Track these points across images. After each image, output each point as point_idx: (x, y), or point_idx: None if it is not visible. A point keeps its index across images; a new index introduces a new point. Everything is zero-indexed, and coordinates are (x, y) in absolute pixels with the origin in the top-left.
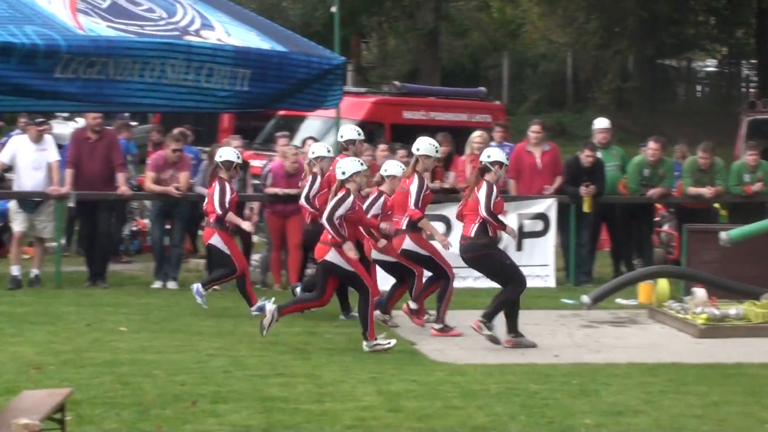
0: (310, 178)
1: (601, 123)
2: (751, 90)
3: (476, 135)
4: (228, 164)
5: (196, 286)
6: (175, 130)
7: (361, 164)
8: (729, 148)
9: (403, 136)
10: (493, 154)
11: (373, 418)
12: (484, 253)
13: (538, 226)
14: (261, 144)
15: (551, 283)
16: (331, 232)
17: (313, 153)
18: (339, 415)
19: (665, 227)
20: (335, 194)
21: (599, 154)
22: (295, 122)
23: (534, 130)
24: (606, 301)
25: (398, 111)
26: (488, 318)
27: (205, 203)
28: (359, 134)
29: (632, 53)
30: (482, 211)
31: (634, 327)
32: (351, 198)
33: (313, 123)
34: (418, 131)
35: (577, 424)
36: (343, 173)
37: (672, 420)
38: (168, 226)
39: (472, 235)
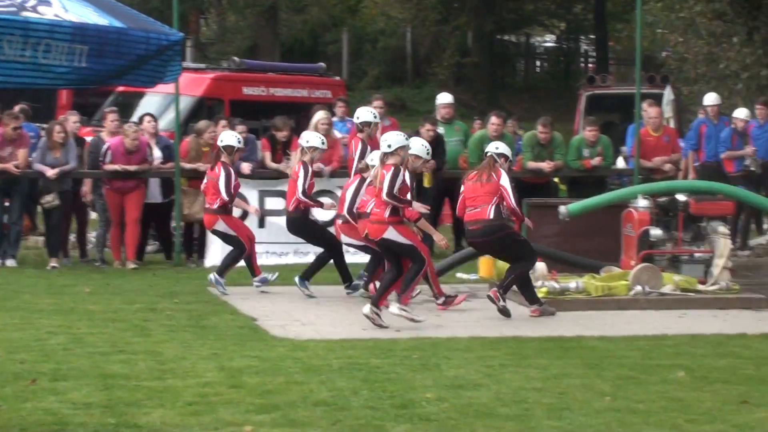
0: (301, 169)
1: (444, 98)
2: (590, 65)
3: (322, 117)
4: (230, 149)
5: (213, 276)
6: (16, 108)
7: (407, 138)
8: (568, 123)
9: (242, 111)
10: (501, 146)
11: (214, 394)
12: (506, 233)
13: None
14: (99, 120)
15: None
16: (399, 205)
17: (307, 142)
18: (180, 391)
19: None
20: (382, 170)
21: (441, 129)
22: (134, 98)
23: (375, 106)
24: (447, 276)
25: (238, 87)
26: (505, 291)
27: (203, 186)
28: (375, 116)
29: (471, 29)
30: (511, 204)
31: (475, 301)
32: (402, 171)
33: (151, 99)
34: (257, 107)
35: (418, 398)
36: (389, 146)
37: (513, 393)
38: (6, 204)
39: (491, 217)
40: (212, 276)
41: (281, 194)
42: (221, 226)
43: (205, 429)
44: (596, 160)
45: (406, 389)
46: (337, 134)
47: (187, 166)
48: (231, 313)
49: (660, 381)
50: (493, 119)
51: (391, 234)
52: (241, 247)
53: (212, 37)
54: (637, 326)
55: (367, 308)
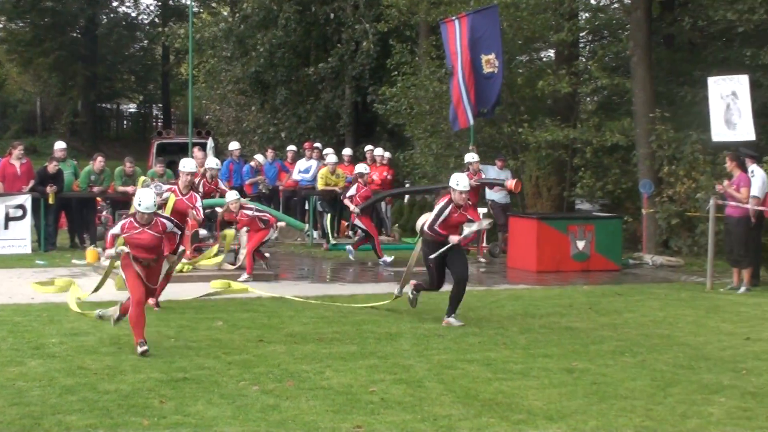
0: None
1: (59, 145)
2: (159, 124)
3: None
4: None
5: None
6: None
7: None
8: (146, 161)
9: None
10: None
11: None
12: None
13: (20, 212)
14: None
15: (28, 250)
16: None
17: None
18: None
19: (104, 213)
20: None
21: (59, 165)
22: None
23: (17, 148)
24: (66, 260)
25: None
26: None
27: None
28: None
29: (81, 99)
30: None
31: (85, 278)
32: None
33: None
34: None
35: (47, 342)
36: None
37: (111, 338)
38: None
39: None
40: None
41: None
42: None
43: None
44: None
45: (39, 336)
46: None
47: None
48: None
49: (206, 328)
50: (99, 158)
51: None
52: None
53: None
54: (192, 294)
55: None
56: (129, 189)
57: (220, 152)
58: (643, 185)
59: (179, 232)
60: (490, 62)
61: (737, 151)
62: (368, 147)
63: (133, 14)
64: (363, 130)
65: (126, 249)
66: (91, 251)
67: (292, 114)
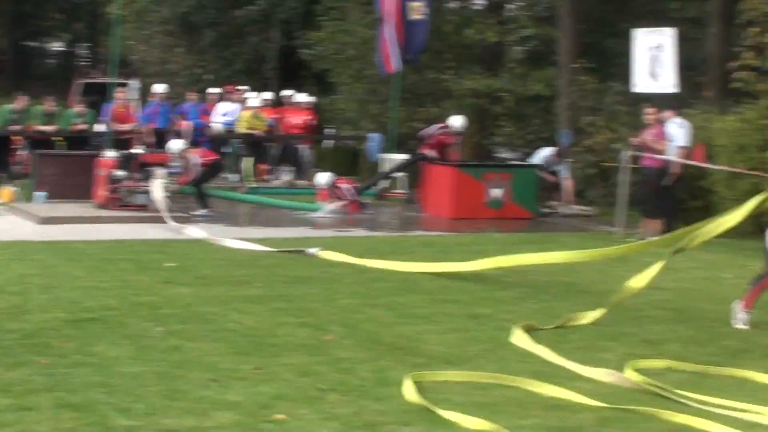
0: None
1: None
2: (85, 63)
3: None
4: None
5: None
6: None
7: None
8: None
9: None
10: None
11: None
12: None
13: None
14: None
15: None
16: None
17: None
18: None
19: (23, 152)
20: None
21: None
22: None
23: None
24: None
25: None
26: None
27: None
28: None
29: (7, 37)
30: None
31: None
32: None
33: None
34: None
35: None
36: None
37: (18, 278)
38: None
39: None
40: None
41: None
42: None
43: None
44: (82, 126)
45: None
46: None
47: None
48: None
49: (116, 270)
50: (19, 98)
51: None
52: None
53: None
54: (105, 235)
55: None
56: (49, 128)
57: (145, 93)
58: (562, 135)
59: None
60: (417, 9)
61: (658, 102)
62: (287, 92)
63: None
64: (289, 75)
65: None
66: (5, 190)
67: (219, 57)
